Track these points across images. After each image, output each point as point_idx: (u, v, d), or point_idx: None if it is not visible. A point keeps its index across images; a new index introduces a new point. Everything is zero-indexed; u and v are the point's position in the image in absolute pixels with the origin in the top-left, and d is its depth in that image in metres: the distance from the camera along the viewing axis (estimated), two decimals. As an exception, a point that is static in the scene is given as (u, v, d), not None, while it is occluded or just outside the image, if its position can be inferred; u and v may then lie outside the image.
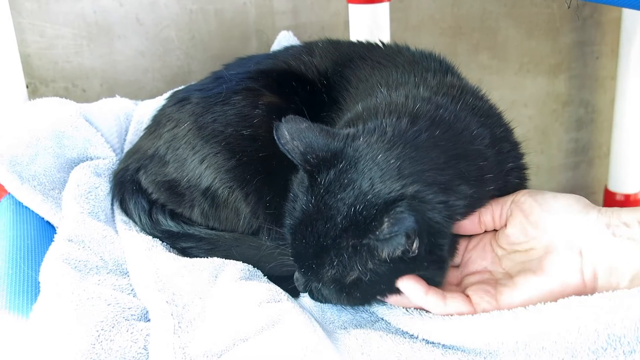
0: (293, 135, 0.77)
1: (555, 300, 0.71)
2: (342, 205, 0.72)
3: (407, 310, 0.79)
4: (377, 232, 0.69)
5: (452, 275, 0.82)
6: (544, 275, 0.74)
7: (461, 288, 0.80)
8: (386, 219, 0.69)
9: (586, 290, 0.72)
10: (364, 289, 0.75)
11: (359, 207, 0.72)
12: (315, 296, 0.81)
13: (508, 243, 0.80)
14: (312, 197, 0.75)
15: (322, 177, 0.75)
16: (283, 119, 0.79)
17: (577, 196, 0.79)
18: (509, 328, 0.70)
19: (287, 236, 0.79)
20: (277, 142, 0.78)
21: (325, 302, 0.82)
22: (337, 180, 0.74)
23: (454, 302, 0.76)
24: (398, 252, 0.71)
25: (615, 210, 0.75)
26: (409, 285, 0.75)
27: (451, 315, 0.75)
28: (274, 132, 0.78)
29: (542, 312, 0.70)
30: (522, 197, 0.79)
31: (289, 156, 0.78)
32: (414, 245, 0.70)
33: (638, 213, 0.73)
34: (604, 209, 0.76)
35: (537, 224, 0.77)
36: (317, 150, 0.76)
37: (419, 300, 0.76)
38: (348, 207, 0.72)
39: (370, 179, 0.73)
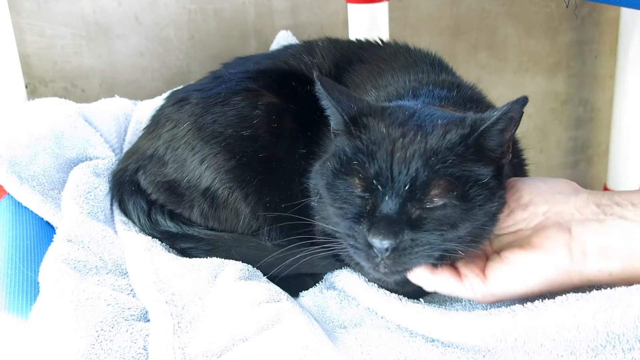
0: (341, 90, 0.78)
1: (543, 276, 0.72)
2: (432, 124, 0.74)
3: (403, 304, 0.79)
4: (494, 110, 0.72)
5: None
6: (531, 249, 0.74)
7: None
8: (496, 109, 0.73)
9: (574, 267, 0.72)
10: (479, 196, 0.72)
11: (449, 122, 0.74)
12: (406, 245, 0.70)
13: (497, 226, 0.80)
14: (385, 132, 0.74)
15: (384, 119, 0.75)
16: (319, 76, 0.78)
17: (567, 180, 0.79)
18: (507, 326, 0.70)
19: (369, 186, 0.72)
20: (325, 92, 0.77)
21: (415, 254, 0.71)
22: (410, 115, 0.76)
23: (442, 273, 0.76)
24: (510, 129, 0.74)
25: (607, 192, 0.75)
26: None
27: (438, 286, 0.75)
28: (320, 84, 0.77)
29: (539, 310, 0.70)
30: (511, 183, 0.80)
31: (339, 108, 0.76)
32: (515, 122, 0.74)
33: (630, 195, 0.73)
34: (595, 191, 0.76)
35: (527, 206, 0.77)
36: (368, 105, 0.78)
37: None
38: (441, 124, 0.74)
39: (440, 112, 0.78)
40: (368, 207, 0.72)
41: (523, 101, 0.71)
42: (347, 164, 0.75)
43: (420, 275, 0.76)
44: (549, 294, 0.72)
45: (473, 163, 0.73)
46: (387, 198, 0.70)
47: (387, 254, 0.70)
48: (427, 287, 0.77)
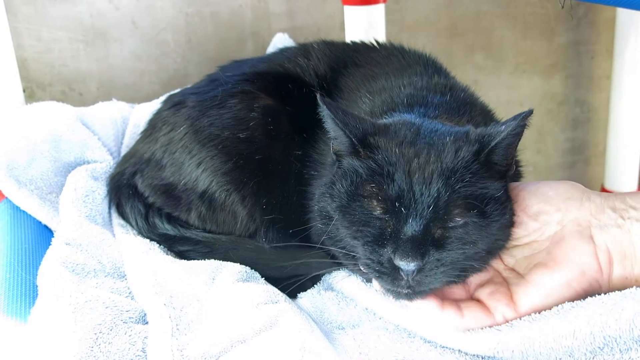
0: (344, 111, 0.76)
1: (575, 291, 0.71)
2: (442, 140, 0.74)
3: (401, 304, 0.78)
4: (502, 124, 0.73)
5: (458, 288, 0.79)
6: (560, 267, 0.72)
7: (469, 292, 0.78)
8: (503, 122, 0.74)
9: (603, 276, 0.71)
10: (496, 211, 0.72)
11: (458, 139, 0.74)
12: (432, 266, 0.70)
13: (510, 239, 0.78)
14: (398, 152, 0.73)
15: (392, 138, 0.75)
16: (322, 99, 0.76)
17: (572, 182, 0.77)
18: (504, 338, 0.70)
19: (389, 208, 0.71)
20: (331, 115, 0.75)
21: (439, 271, 0.71)
22: (416, 133, 0.75)
23: (470, 312, 0.73)
24: (516, 142, 0.75)
25: (618, 194, 0.74)
26: (423, 302, 0.73)
27: (471, 329, 0.72)
28: (327, 108, 0.75)
29: (536, 321, 0.70)
30: (514, 191, 0.78)
31: (346, 130, 0.75)
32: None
33: None
34: (605, 193, 0.75)
35: (537, 216, 0.76)
36: (372, 124, 0.77)
37: (436, 316, 0.73)
38: (450, 141, 0.73)
39: (441, 126, 0.78)
40: (389, 229, 0.71)
41: (528, 115, 0.71)
42: (361, 186, 0.74)
43: (448, 320, 0.73)
44: None
45: (487, 179, 0.73)
46: (410, 220, 0.70)
47: (414, 275, 0.69)
48: (458, 329, 0.73)
